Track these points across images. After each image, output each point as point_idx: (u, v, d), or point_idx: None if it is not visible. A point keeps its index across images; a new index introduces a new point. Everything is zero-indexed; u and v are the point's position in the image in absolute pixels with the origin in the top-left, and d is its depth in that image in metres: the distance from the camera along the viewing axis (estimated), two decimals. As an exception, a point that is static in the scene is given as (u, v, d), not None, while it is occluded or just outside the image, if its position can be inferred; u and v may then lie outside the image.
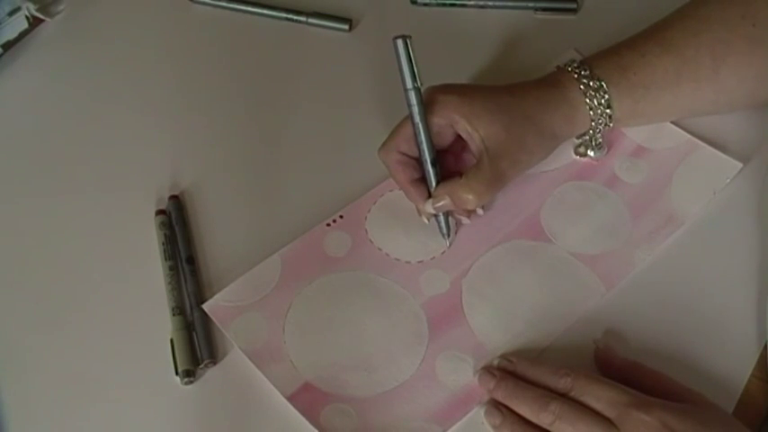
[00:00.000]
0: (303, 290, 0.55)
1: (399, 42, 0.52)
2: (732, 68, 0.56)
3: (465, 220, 0.58)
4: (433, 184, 0.56)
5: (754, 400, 0.50)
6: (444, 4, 0.72)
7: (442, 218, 0.56)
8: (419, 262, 0.57)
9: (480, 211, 0.58)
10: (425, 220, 0.57)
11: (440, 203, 0.55)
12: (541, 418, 0.47)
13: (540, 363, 0.50)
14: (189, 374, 0.52)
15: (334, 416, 0.50)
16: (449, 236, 0.57)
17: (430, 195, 0.56)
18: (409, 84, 0.53)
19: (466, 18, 0.71)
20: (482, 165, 0.54)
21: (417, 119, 0.54)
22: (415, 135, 0.55)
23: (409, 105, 0.54)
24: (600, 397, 0.46)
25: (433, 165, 0.55)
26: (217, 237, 0.59)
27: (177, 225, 0.59)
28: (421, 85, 0.53)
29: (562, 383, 0.48)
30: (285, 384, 0.51)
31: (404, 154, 0.56)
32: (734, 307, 0.53)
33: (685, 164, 0.59)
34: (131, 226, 0.60)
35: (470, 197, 0.54)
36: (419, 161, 0.56)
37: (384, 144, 0.56)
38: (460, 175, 0.55)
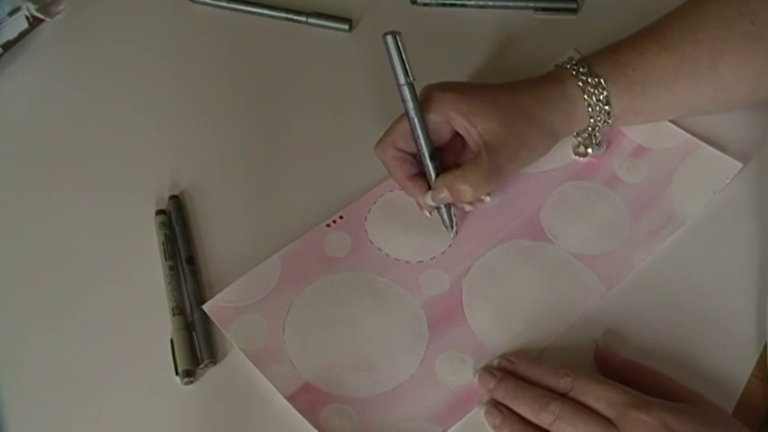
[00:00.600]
0: (303, 290, 0.55)
1: (389, 38, 0.53)
2: (731, 66, 0.56)
3: (467, 207, 0.57)
4: (433, 177, 0.56)
5: (754, 400, 0.50)
6: (444, 4, 0.72)
7: (444, 210, 0.56)
8: (419, 262, 0.57)
9: (487, 199, 0.57)
10: (427, 214, 0.57)
11: (440, 195, 0.55)
12: (541, 418, 0.47)
13: (540, 363, 0.50)
14: (189, 374, 0.52)
15: (333, 416, 0.50)
16: (452, 228, 0.57)
17: (430, 188, 0.56)
18: (402, 79, 0.53)
19: (466, 18, 0.71)
20: (480, 157, 0.54)
21: (412, 114, 0.54)
22: (412, 130, 0.55)
23: (403, 101, 0.54)
24: (600, 397, 0.46)
25: (432, 159, 0.55)
26: (217, 237, 0.59)
27: (177, 225, 0.59)
28: (414, 80, 0.53)
29: (562, 383, 0.48)
30: (285, 384, 0.51)
31: (400, 150, 0.56)
32: (734, 307, 0.53)
33: (685, 164, 0.59)
34: (131, 226, 0.60)
35: (467, 188, 0.54)
36: (416, 157, 0.56)
37: (380, 141, 0.57)
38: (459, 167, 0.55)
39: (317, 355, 0.53)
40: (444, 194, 0.55)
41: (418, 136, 0.55)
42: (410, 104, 0.54)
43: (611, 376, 0.48)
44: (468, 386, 0.51)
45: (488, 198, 0.57)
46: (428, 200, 0.56)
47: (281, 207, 0.60)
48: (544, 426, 0.47)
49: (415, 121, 0.54)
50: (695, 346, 0.52)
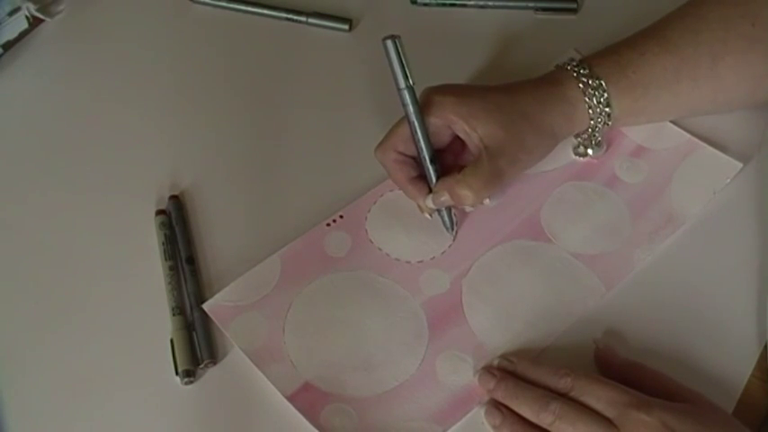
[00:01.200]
0: (303, 290, 0.55)
1: (389, 43, 0.53)
2: (731, 67, 0.56)
3: (468, 207, 0.57)
4: (434, 180, 0.56)
5: (754, 400, 0.50)
6: (444, 4, 0.72)
7: (444, 212, 0.57)
8: (419, 262, 0.57)
9: (487, 201, 0.57)
10: (428, 216, 0.57)
11: (441, 199, 0.55)
12: (541, 419, 0.47)
13: (541, 363, 0.50)
14: (189, 374, 0.52)
15: (334, 416, 0.50)
16: (453, 229, 0.57)
17: (430, 191, 0.56)
18: (402, 83, 0.53)
19: (466, 18, 0.71)
20: (480, 162, 0.54)
21: (413, 118, 0.54)
22: (412, 134, 0.55)
23: (404, 105, 0.54)
24: (600, 397, 0.46)
25: (432, 162, 0.55)
26: (217, 237, 0.59)
27: (177, 225, 0.59)
28: (413, 83, 0.53)
29: (562, 383, 0.48)
30: (285, 384, 0.51)
31: (401, 153, 0.56)
32: (734, 307, 0.53)
33: (685, 164, 0.59)
34: (131, 226, 0.60)
35: (468, 193, 0.54)
36: (416, 160, 0.56)
37: (380, 144, 0.57)
38: (460, 170, 0.55)
39: (317, 354, 0.53)
40: (445, 198, 0.55)
41: (419, 139, 0.55)
42: (410, 108, 0.54)
43: (611, 376, 0.48)
44: (469, 386, 0.51)
45: (488, 201, 0.57)
46: (429, 203, 0.56)
47: (281, 207, 0.60)
48: (544, 426, 0.47)
49: (416, 124, 0.54)
50: (695, 346, 0.52)
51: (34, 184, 0.63)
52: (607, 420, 0.45)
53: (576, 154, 0.60)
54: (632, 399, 0.45)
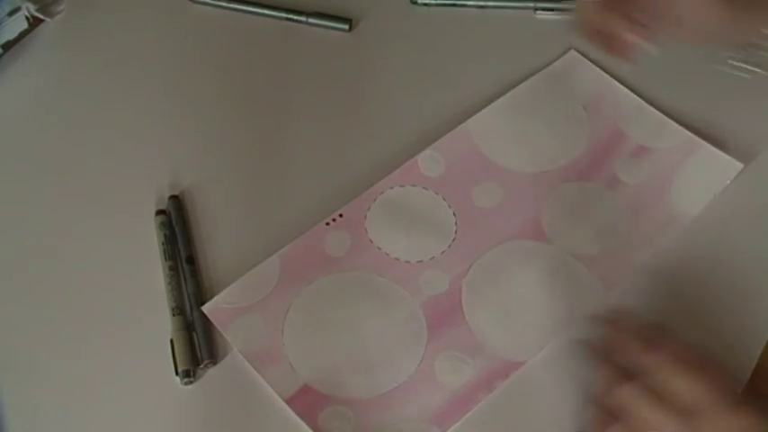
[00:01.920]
0: (302, 290, 0.55)
1: None
2: None
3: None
4: None
5: (754, 401, 0.50)
6: (444, 4, 0.71)
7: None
8: (418, 262, 0.57)
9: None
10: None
11: None
12: (625, 390, 0.45)
13: (636, 333, 0.49)
14: (189, 374, 0.52)
15: (332, 419, 0.50)
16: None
17: None
18: None
19: (466, 18, 0.71)
20: None
21: None
22: None
23: None
24: (683, 388, 0.44)
25: None
26: (217, 237, 0.59)
27: (177, 225, 0.59)
28: None
29: (649, 361, 0.46)
30: (284, 388, 0.51)
31: None
32: (734, 308, 0.53)
33: (686, 164, 0.59)
34: (131, 226, 0.60)
35: None
36: None
37: None
38: None
39: (315, 356, 0.53)
40: None
41: None
42: None
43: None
44: (468, 386, 0.51)
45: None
46: None
47: (281, 206, 0.60)
48: (626, 396, 0.45)
49: None
50: (695, 347, 0.52)
51: (34, 184, 0.63)
52: (685, 413, 0.44)
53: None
54: (718, 399, 0.44)
